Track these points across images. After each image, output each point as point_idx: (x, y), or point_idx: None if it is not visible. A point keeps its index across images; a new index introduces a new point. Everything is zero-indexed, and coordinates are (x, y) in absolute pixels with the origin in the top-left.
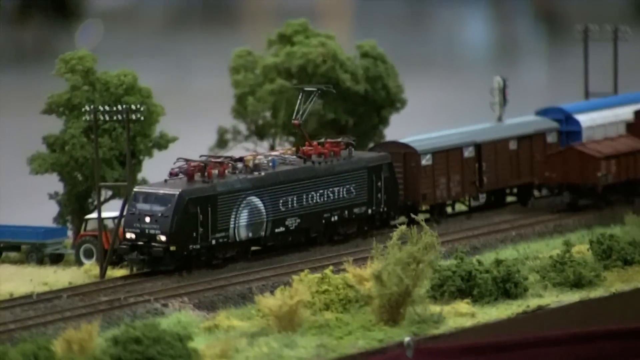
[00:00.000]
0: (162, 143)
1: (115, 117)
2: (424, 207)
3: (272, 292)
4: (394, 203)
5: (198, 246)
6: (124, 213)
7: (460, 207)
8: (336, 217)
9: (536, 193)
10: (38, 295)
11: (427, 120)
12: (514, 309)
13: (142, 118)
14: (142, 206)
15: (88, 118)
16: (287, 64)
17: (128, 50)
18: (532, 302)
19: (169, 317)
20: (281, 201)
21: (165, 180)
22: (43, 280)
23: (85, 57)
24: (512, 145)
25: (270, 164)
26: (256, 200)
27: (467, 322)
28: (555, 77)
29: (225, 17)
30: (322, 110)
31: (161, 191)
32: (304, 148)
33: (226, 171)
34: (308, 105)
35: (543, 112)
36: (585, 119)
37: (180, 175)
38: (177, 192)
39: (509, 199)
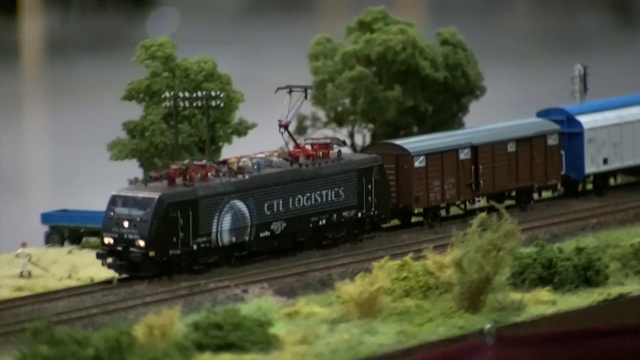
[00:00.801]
0: (242, 130)
1: (195, 104)
2: (416, 210)
3: (352, 279)
4: (385, 206)
5: (178, 251)
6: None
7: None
8: (324, 221)
9: (539, 195)
10: (118, 280)
11: (506, 108)
12: (595, 297)
13: (221, 105)
14: (120, 210)
15: (168, 104)
16: (367, 51)
17: (203, 39)
18: (614, 290)
19: (249, 303)
20: (266, 205)
21: (145, 183)
22: None
23: (165, 43)
24: (511, 148)
25: (256, 166)
26: (240, 204)
27: (548, 310)
28: (629, 66)
29: (300, 6)
30: (402, 97)
31: (140, 195)
32: (291, 150)
33: (209, 174)
34: (296, 105)
35: (544, 113)
36: (587, 120)
37: (160, 179)
38: (157, 196)
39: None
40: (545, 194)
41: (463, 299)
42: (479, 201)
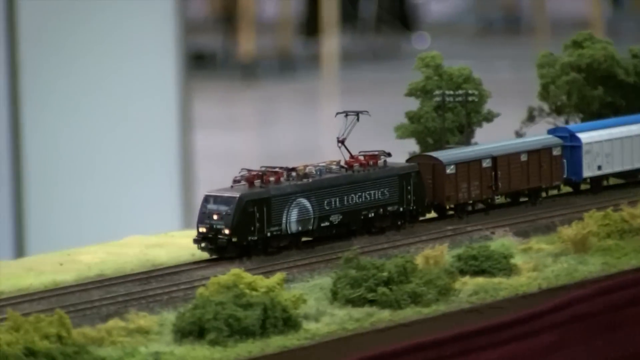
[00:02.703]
0: (489, 117)
1: (456, 99)
2: (448, 206)
3: (569, 224)
4: (421, 203)
5: (255, 238)
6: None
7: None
8: (372, 214)
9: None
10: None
11: None
12: None
13: (475, 100)
14: (211, 206)
15: (437, 99)
16: (578, 62)
17: (448, 54)
18: None
19: (495, 242)
20: (325, 202)
21: (231, 186)
22: None
23: (435, 56)
24: (523, 158)
25: (318, 172)
26: (304, 201)
27: None
28: None
29: (518, 29)
30: (603, 95)
31: (226, 194)
32: (348, 160)
33: (281, 178)
34: (351, 125)
35: (552, 131)
36: (585, 137)
37: (243, 182)
38: (238, 195)
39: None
40: (551, 192)
41: None
42: (498, 198)
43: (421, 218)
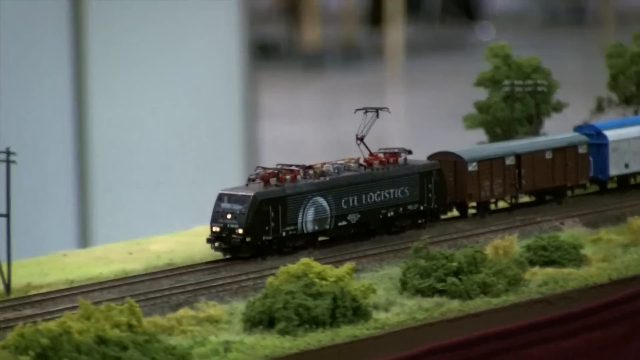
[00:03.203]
0: (557, 107)
1: (525, 89)
2: (469, 204)
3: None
4: (443, 201)
5: (270, 237)
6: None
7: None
8: (392, 213)
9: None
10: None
11: None
12: None
13: (544, 90)
14: (225, 205)
15: (506, 89)
16: None
17: (514, 44)
18: None
19: (565, 232)
20: (343, 200)
21: (247, 184)
22: None
23: (504, 46)
24: (548, 155)
25: (335, 170)
26: (321, 200)
27: None
28: None
29: (581, 20)
30: None
31: (240, 193)
32: (367, 158)
33: (297, 177)
34: (370, 122)
35: (579, 129)
36: (611, 134)
37: (258, 181)
38: (252, 194)
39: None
40: (578, 191)
41: None
42: (521, 197)
43: (443, 217)
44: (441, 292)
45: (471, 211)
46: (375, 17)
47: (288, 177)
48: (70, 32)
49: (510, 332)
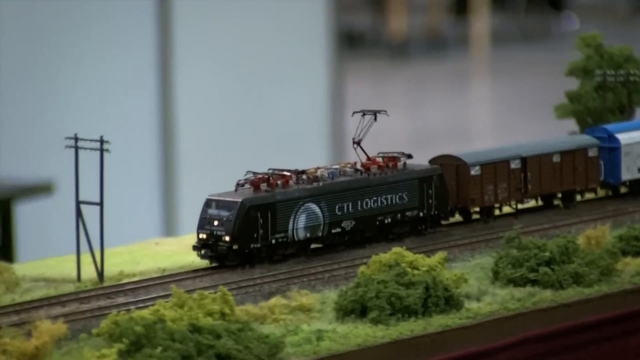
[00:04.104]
0: None
1: (617, 79)
2: (472, 210)
3: None
4: (444, 207)
5: (259, 245)
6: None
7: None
8: (389, 220)
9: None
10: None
11: None
12: None
13: (637, 80)
14: (212, 211)
15: (598, 79)
16: None
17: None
18: None
19: None
20: (337, 207)
21: (236, 190)
22: None
23: (596, 36)
24: (556, 159)
25: (329, 175)
26: (313, 206)
27: None
28: None
29: None
30: None
31: (227, 199)
32: (364, 162)
33: (290, 182)
34: (367, 125)
35: (590, 131)
36: (624, 137)
37: (247, 186)
38: (240, 200)
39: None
40: (589, 195)
41: None
42: (527, 202)
43: (444, 222)
44: (533, 282)
45: (475, 216)
46: (461, 6)
47: (279, 182)
48: (157, 22)
49: (603, 322)
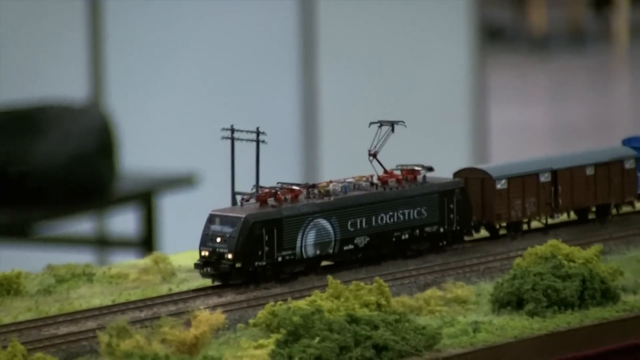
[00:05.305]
0: None
1: None
2: (498, 225)
3: None
4: (467, 222)
5: (264, 263)
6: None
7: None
8: (407, 236)
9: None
10: None
11: None
12: None
13: None
14: (215, 227)
15: None
16: None
17: None
18: None
19: None
20: (349, 222)
21: (241, 205)
22: None
23: None
24: (589, 171)
25: (342, 189)
26: (324, 222)
27: None
28: None
29: None
30: None
31: (231, 214)
32: (381, 176)
33: (300, 196)
34: (385, 137)
35: (627, 142)
36: None
37: (253, 201)
38: (243, 216)
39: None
40: (625, 209)
41: None
42: (558, 217)
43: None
44: None
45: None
46: (601, 0)
47: (288, 197)
48: (300, 19)
49: None
